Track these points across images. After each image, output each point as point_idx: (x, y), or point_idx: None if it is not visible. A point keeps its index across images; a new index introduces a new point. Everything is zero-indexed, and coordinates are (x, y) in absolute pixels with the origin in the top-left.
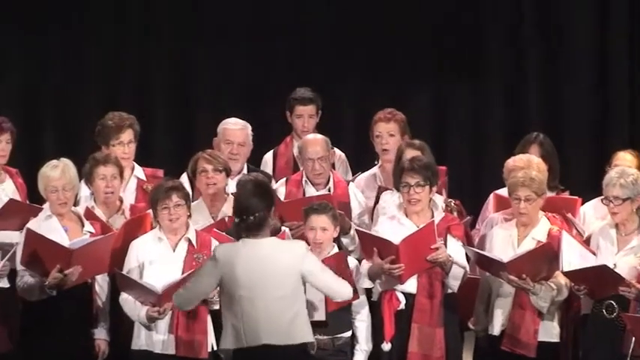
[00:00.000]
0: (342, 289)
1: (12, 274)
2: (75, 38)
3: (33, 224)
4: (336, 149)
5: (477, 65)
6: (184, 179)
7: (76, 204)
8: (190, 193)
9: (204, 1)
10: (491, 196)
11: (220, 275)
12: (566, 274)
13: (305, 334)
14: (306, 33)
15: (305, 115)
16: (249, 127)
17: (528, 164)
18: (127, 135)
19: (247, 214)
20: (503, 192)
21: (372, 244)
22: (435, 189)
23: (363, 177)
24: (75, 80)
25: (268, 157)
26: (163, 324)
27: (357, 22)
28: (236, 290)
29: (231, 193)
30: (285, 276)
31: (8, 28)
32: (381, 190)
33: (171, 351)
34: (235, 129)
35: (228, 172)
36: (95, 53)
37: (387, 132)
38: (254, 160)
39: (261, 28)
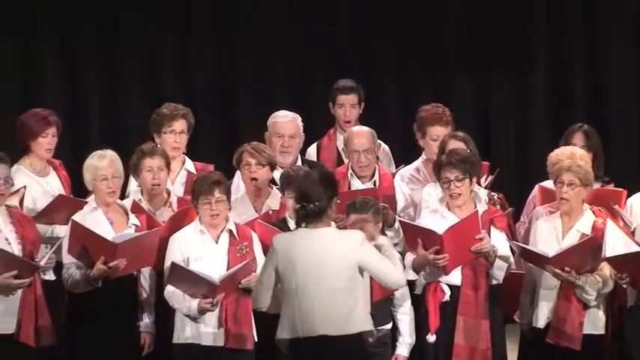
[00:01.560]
0: (399, 278)
1: (58, 268)
2: (118, 30)
3: (78, 217)
4: (380, 142)
5: (521, 57)
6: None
7: (122, 198)
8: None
9: None
10: (536, 188)
11: (277, 264)
12: (609, 260)
13: (362, 324)
14: (350, 24)
15: (347, 105)
16: (299, 119)
17: (572, 156)
18: (180, 124)
19: (308, 202)
20: (548, 184)
21: (416, 235)
22: (475, 180)
23: (407, 170)
24: (118, 75)
25: (312, 150)
26: (212, 316)
27: (401, 13)
28: (292, 280)
29: (275, 188)
30: (342, 267)
31: (52, 24)
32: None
33: (220, 343)
34: (285, 121)
35: (272, 166)
36: (139, 46)
37: (442, 135)
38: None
39: (304, 20)
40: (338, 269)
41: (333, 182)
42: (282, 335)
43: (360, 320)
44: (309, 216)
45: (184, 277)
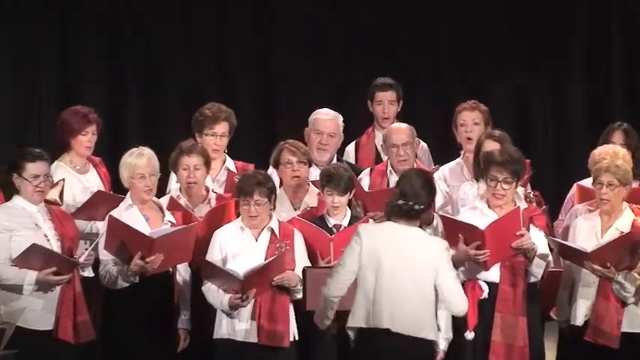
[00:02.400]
0: (461, 302)
1: (97, 264)
2: (156, 28)
3: (114, 213)
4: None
5: (559, 55)
6: (271, 171)
7: (163, 195)
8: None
9: None
10: (575, 187)
11: (360, 252)
12: None
13: (429, 331)
14: (389, 23)
15: (385, 102)
16: (341, 118)
17: (614, 155)
18: (222, 127)
19: (413, 201)
20: (586, 183)
21: (456, 231)
22: (520, 183)
23: (447, 167)
24: (156, 70)
25: (350, 148)
26: (246, 312)
27: (438, 13)
28: (370, 270)
29: (312, 184)
30: (421, 267)
31: (89, 21)
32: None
33: (253, 339)
34: (326, 119)
35: (310, 163)
36: (178, 43)
37: (472, 120)
38: (337, 151)
39: (342, 19)
40: (417, 268)
41: (434, 189)
42: (353, 323)
43: (427, 326)
44: (405, 214)
45: (214, 272)
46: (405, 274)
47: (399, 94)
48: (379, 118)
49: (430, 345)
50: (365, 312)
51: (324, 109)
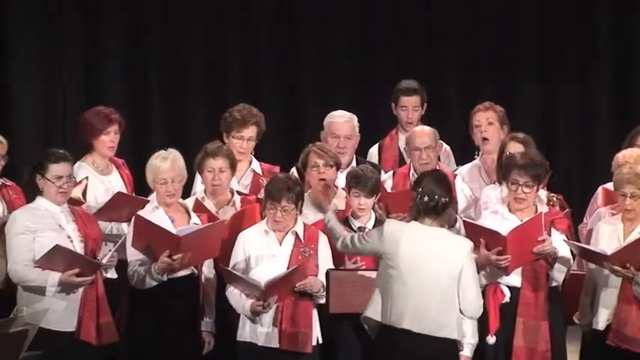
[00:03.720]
0: (477, 305)
1: (120, 266)
2: (180, 28)
3: (141, 215)
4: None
5: (584, 59)
6: (293, 172)
7: (184, 195)
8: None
9: None
10: (600, 189)
11: (382, 251)
12: None
13: (451, 330)
14: (414, 24)
15: (409, 107)
16: (356, 119)
17: (638, 159)
18: (250, 131)
19: (436, 196)
20: (611, 186)
21: (478, 236)
22: (541, 186)
23: (465, 169)
24: (180, 70)
25: (374, 150)
26: (268, 317)
27: (465, 16)
28: (392, 268)
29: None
30: (446, 267)
31: (113, 21)
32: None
33: (275, 344)
34: (341, 122)
35: (338, 166)
36: (200, 44)
37: (486, 120)
38: (360, 154)
39: (365, 21)
40: (441, 268)
41: (452, 188)
42: (369, 314)
43: (449, 325)
44: (430, 210)
45: (234, 279)
46: (427, 272)
47: (424, 98)
48: (403, 122)
49: (453, 344)
50: (384, 308)
51: (339, 111)
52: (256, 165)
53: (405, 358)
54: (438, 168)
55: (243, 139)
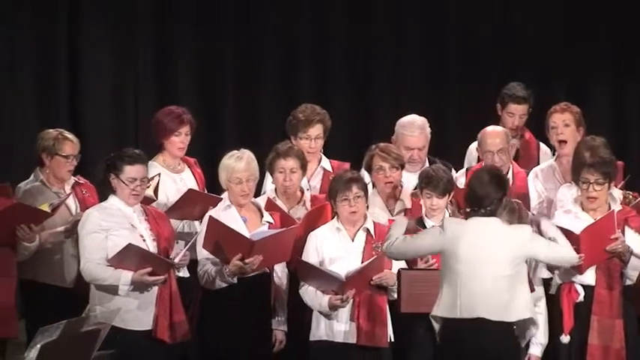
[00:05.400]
0: (572, 256)
1: (191, 265)
2: (253, 29)
3: (213, 213)
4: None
5: None
6: (363, 172)
7: (257, 196)
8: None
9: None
10: None
11: (443, 247)
12: None
13: (522, 312)
14: (484, 28)
15: (517, 115)
16: (427, 126)
17: None
18: (316, 130)
19: (480, 205)
20: None
21: None
22: (612, 184)
23: (539, 168)
24: (253, 69)
25: (473, 147)
26: (345, 314)
27: (535, 19)
28: (456, 264)
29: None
30: (509, 258)
31: (185, 20)
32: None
33: (352, 340)
34: (413, 136)
35: (403, 166)
36: (274, 43)
37: (563, 122)
38: (459, 149)
39: (438, 22)
40: (505, 259)
41: (504, 182)
42: (438, 312)
43: (520, 308)
44: (477, 214)
45: (312, 273)
46: (492, 262)
47: (531, 105)
48: (507, 127)
49: (525, 322)
50: (452, 303)
51: (409, 119)
52: (326, 162)
53: (477, 348)
54: (512, 169)
55: (311, 139)
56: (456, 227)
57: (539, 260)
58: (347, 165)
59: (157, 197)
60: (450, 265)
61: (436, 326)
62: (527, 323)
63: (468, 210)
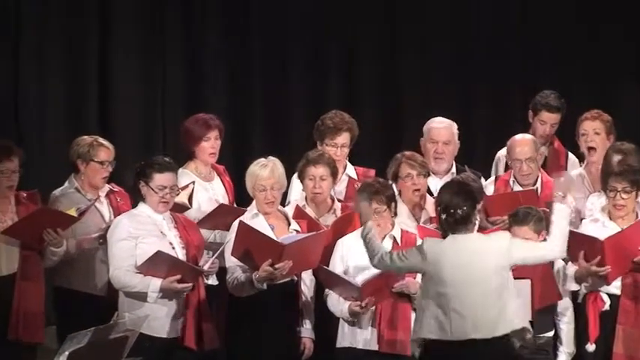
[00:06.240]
0: (552, 253)
1: (220, 272)
2: (279, 35)
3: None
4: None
5: None
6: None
7: (283, 205)
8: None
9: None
10: None
11: (424, 270)
12: None
13: (512, 324)
14: (510, 32)
15: (549, 123)
16: (455, 126)
17: None
18: (343, 138)
19: (453, 209)
20: None
21: (577, 244)
22: None
23: None
24: (281, 77)
25: (501, 154)
26: (367, 320)
27: (567, 23)
28: (441, 287)
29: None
30: (492, 270)
31: (214, 28)
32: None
33: (374, 347)
34: (440, 127)
35: (429, 174)
36: (300, 51)
37: (593, 130)
38: (488, 155)
39: (465, 26)
40: (489, 273)
41: (473, 191)
42: (422, 334)
43: (509, 320)
44: (455, 224)
45: (332, 280)
46: (477, 279)
47: (564, 114)
48: (537, 134)
49: (516, 334)
50: (441, 325)
51: (438, 117)
52: (351, 170)
53: None
54: (541, 177)
55: (337, 146)
56: (435, 248)
57: (526, 264)
58: (372, 172)
59: (191, 205)
60: (434, 288)
61: (416, 350)
62: (521, 332)
63: (443, 217)
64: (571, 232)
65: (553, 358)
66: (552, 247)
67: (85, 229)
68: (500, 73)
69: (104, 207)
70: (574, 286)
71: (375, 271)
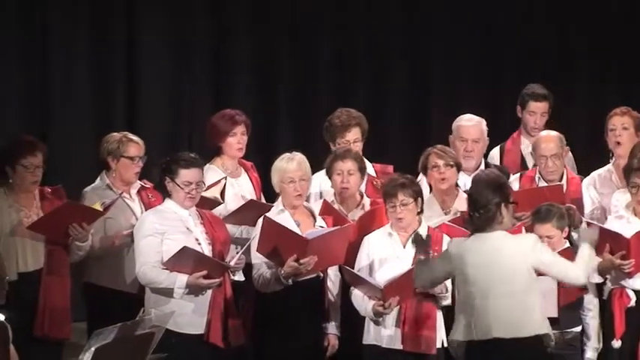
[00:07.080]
0: (577, 275)
1: (247, 269)
2: (307, 32)
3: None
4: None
5: None
6: (420, 178)
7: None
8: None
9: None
10: None
11: (452, 270)
12: None
13: (538, 327)
14: (540, 29)
15: (538, 113)
16: (484, 123)
17: None
18: (353, 134)
19: (480, 208)
20: None
21: (602, 239)
22: None
23: (596, 173)
24: (306, 74)
25: (495, 153)
26: (391, 318)
27: (593, 20)
28: (466, 285)
29: (464, 191)
30: (516, 270)
31: (239, 27)
32: None
33: (398, 346)
34: (469, 125)
35: (458, 167)
36: (327, 46)
37: (621, 125)
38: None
39: (492, 23)
40: (512, 272)
41: (503, 186)
42: (455, 337)
43: (535, 323)
44: (481, 223)
45: (355, 279)
46: (500, 278)
47: (551, 104)
48: (529, 127)
49: (538, 340)
50: (468, 325)
51: (467, 114)
52: (369, 166)
53: None
54: (567, 174)
55: (350, 143)
56: (459, 248)
57: (543, 271)
58: (390, 168)
59: (223, 200)
60: (461, 287)
61: (454, 351)
62: (545, 339)
63: (470, 215)
64: (597, 227)
65: (580, 353)
66: (577, 274)
67: (117, 226)
68: (530, 72)
69: (135, 204)
70: (597, 279)
71: (399, 270)
